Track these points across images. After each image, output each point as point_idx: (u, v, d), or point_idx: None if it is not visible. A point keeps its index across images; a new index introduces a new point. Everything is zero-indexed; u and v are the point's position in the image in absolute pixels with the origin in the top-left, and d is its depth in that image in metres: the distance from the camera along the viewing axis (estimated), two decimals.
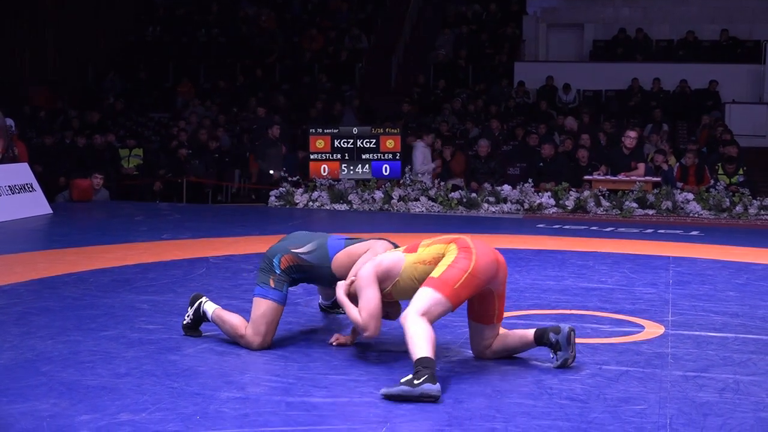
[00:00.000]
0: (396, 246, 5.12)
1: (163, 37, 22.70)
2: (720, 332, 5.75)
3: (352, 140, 14.43)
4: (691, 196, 13.41)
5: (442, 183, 14.20)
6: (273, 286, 5.06)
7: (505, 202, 13.71)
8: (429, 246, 4.80)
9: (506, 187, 13.89)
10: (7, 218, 11.32)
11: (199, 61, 21.63)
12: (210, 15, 23.21)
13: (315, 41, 21.78)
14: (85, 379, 4.45)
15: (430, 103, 19.72)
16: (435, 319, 4.56)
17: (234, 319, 5.18)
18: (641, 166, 13.98)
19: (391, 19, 22.85)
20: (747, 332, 5.78)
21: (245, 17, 22.92)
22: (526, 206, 13.60)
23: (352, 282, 4.89)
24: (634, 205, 13.28)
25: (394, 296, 4.83)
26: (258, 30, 22.43)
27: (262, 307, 5.06)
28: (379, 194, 13.89)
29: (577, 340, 5.34)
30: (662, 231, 11.61)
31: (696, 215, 13.16)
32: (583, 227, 11.89)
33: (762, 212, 13.15)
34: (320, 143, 14.45)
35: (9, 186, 11.85)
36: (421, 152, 15.00)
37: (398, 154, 14.47)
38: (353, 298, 4.89)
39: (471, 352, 5.02)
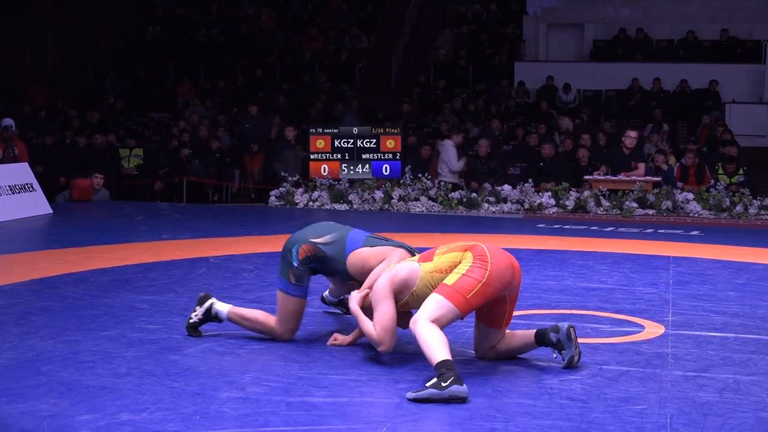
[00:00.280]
0: (413, 254, 5.09)
1: (163, 37, 22.69)
2: (720, 332, 5.75)
3: (352, 140, 14.42)
4: (691, 196, 13.41)
5: (442, 183, 14.20)
6: (294, 282, 5.13)
7: (506, 202, 13.72)
8: (444, 254, 4.76)
9: (506, 187, 13.89)
10: (7, 218, 11.32)
11: (199, 61, 21.63)
12: (210, 15, 23.20)
13: (315, 41, 21.78)
14: (85, 379, 4.45)
15: (430, 103, 19.71)
16: (444, 326, 4.55)
17: (258, 315, 5.27)
18: (641, 166, 13.98)
19: (391, 18, 22.85)
20: (747, 332, 5.78)
21: (245, 17, 22.92)
22: (527, 206, 13.60)
23: (366, 294, 4.87)
24: (635, 205, 13.28)
25: (410, 306, 4.78)
26: (258, 30, 22.43)
27: (287, 304, 5.16)
28: (379, 194, 13.89)
29: (578, 340, 5.35)
30: (662, 231, 11.61)
31: (696, 215, 13.16)
32: (583, 227, 11.89)
33: (762, 212, 13.15)
34: (320, 143, 14.45)
35: (9, 186, 11.85)
36: (451, 151, 14.97)
37: (398, 154, 14.46)
38: (367, 310, 4.86)
39: (472, 351, 5.02)
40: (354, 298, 4.92)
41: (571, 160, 15.00)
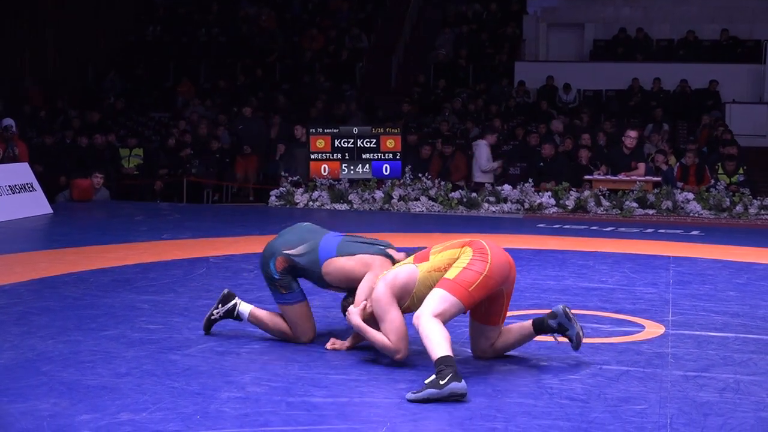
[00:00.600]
0: (391, 257, 5.04)
1: (164, 36, 22.69)
2: (720, 332, 5.75)
3: (352, 140, 14.42)
4: (691, 195, 13.41)
5: (442, 183, 14.20)
6: (284, 292, 5.16)
7: (506, 202, 13.72)
8: (441, 252, 4.75)
9: (506, 187, 13.89)
10: (7, 218, 11.32)
11: (200, 61, 21.63)
12: (210, 15, 23.20)
13: (315, 41, 21.77)
14: (85, 378, 4.45)
15: (431, 103, 19.71)
16: (448, 321, 4.53)
17: (278, 321, 5.28)
18: (641, 165, 13.98)
19: (392, 18, 22.85)
20: (747, 332, 5.78)
21: (245, 17, 22.92)
22: (527, 206, 13.60)
23: (365, 306, 4.82)
24: (635, 204, 13.28)
25: (413, 310, 4.70)
26: (258, 29, 22.43)
27: (292, 313, 5.20)
28: (379, 194, 13.89)
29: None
30: (662, 231, 11.61)
31: (696, 215, 13.16)
32: (583, 227, 11.89)
33: (762, 212, 13.15)
34: (320, 143, 14.45)
35: (9, 186, 11.86)
36: (485, 151, 14.91)
37: (398, 154, 14.46)
38: (369, 321, 4.81)
39: (471, 352, 5.02)
40: (353, 313, 4.82)
41: (571, 160, 15.00)
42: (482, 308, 4.83)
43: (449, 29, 22.09)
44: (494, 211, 13.57)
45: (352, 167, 14.41)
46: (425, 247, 4.92)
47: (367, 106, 18.79)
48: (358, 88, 20.64)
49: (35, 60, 20.62)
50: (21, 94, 19.35)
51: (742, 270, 8.44)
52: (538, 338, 5.07)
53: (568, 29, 22.23)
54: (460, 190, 13.91)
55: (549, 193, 13.70)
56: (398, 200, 13.80)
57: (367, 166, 14.41)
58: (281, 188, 14.35)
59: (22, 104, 18.52)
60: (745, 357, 5.13)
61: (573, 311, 4.94)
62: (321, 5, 23.28)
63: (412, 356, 4.89)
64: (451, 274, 4.58)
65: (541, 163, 14.88)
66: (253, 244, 9.42)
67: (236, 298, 5.43)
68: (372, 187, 14.07)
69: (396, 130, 14.80)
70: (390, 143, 14.46)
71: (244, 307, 5.37)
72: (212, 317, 5.41)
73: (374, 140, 14.41)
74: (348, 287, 5.11)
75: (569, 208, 13.46)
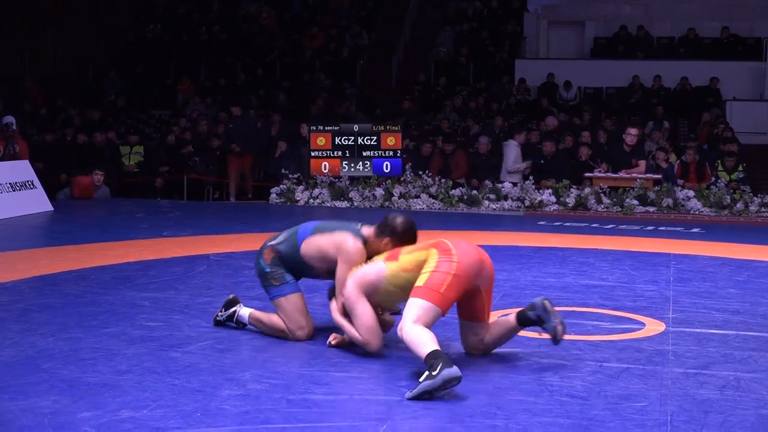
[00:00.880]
0: (362, 236, 5.08)
1: (164, 35, 22.68)
2: (721, 329, 5.76)
3: (353, 137, 14.42)
4: (691, 193, 13.41)
5: (443, 180, 14.19)
6: (277, 284, 5.22)
7: (506, 200, 13.72)
8: (410, 254, 4.83)
9: (507, 185, 13.89)
10: (8, 215, 11.32)
11: (200, 59, 21.62)
12: (210, 13, 23.19)
13: (315, 39, 21.76)
14: (86, 376, 4.46)
15: (431, 101, 19.70)
16: (429, 326, 4.57)
17: (274, 319, 5.33)
18: (642, 163, 13.97)
19: (392, 16, 22.83)
20: (748, 329, 5.78)
21: (246, 15, 22.91)
22: (527, 203, 13.60)
23: (342, 303, 4.94)
24: (635, 202, 13.27)
25: (383, 304, 4.91)
26: (258, 28, 22.41)
27: (287, 304, 5.23)
28: (380, 191, 13.89)
29: (578, 338, 5.36)
30: (663, 228, 11.61)
31: (697, 212, 13.16)
32: (583, 224, 11.89)
33: (763, 209, 13.15)
34: (321, 140, 14.44)
35: (10, 183, 11.86)
36: (514, 151, 14.83)
37: (399, 152, 14.46)
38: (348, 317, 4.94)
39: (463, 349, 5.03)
40: (334, 310, 5.00)
41: (571, 158, 14.99)
42: (464, 306, 4.89)
43: (450, 27, 22.08)
44: (495, 209, 13.57)
45: (352, 165, 14.41)
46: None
47: (367, 106, 18.76)
48: (358, 86, 20.63)
49: (35, 59, 20.62)
50: (21, 93, 19.34)
51: (742, 267, 8.44)
52: (540, 336, 5.08)
53: (568, 27, 22.22)
54: (461, 188, 13.91)
55: (549, 191, 13.69)
56: (399, 198, 13.80)
57: (368, 163, 14.42)
58: (282, 185, 14.35)
59: (22, 103, 18.51)
60: (746, 354, 5.13)
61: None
62: (321, 3, 23.27)
63: (413, 355, 4.89)
64: (420, 281, 4.65)
65: (542, 161, 14.87)
66: (254, 242, 9.41)
67: (238, 304, 5.52)
68: (372, 185, 14.07)
69: (396, 128, 14.79)
70: (390, 141, 14.45)
71: (244, 312, 5.46)
72: (217, 318, 5.57)
73: (375, 138, 14.41)
74: (327, 268, 5.17)
75: (570, 205, 13.45)
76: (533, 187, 13.80)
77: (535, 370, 4.73)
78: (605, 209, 13.33)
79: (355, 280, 4.85)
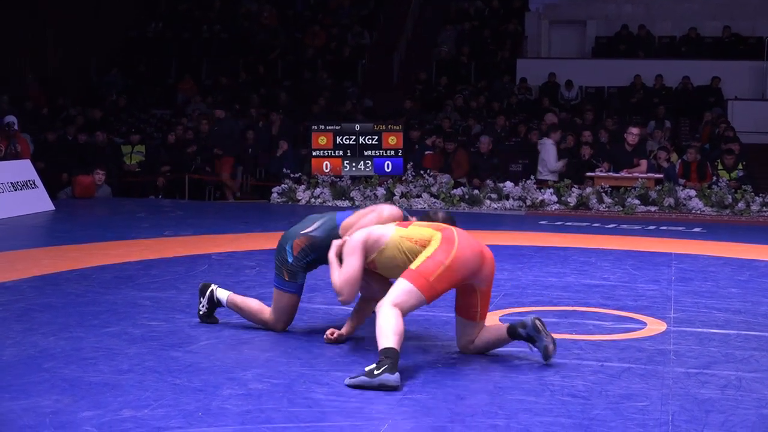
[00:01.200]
0: (407, 218, 5.20)
1: (165, 33, 22.68)
2: (722, 329, 5.75)
3: (354, 137, 14.42)
4: (693, 192, 13.40)
5: (444, 180, 14.19)
6: (287, 278, 5.26)
7: (507, 199, 13.71)
8: (420, 227, 4.88)
9: (508, 184, 13.88)
10: (9, 215, 11.33)
11: (201, 58, 21.62)
12: (212, 11, 23.18)
13: (317, 38, 21.76)
14: (87, 375, 4.46)
15: (433, 100, 19.70)
16: (408, 311, 4.64)
17: (252, 305, 5.45)
18: (643, 162, 13.96)
19: (393, 15, 22.82)
20: (749, 329, 5.78)
21: (247, 14, 22.90)
22: (528, 203, 13.59)
23: (344, 242, 4.96)
24: (637, 201, 13.27)
25: (377, 267, 4.89)
26: (260, 26, 22.41)
27: (281, 299, 5.31)
28: (381, 191, 13.89)
29: (579, 337, 5.36)
30: (664, 228, 11.60)
31: (698, 212, 13.15)
32: (585, 224, 11.88)
33: (764, 209, 13.14)
34: (322, 140, 14.45)
35: (11, 182, 11.86)
36: (552, 150, 14.75)
37: (400, 151, 14.46)
38: (373, 275, 4.99)
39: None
40: (334, 245, 5.02)
41: (573, 157, 14.98)
42: (460, 302, 4.90)
43: (451, 26, 22.08)
44: (496, 208, 13.57)
45: (353, 164, 14.41)
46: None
47: (367, 110, 18.73)
48: (360, 86, 20.63)
49: (36, 58, 20.62)
50: (22, 91, 19.34)
51: (744, 267, 8.44)
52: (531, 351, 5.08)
53: (570, 26, 22.22)
54: (462, 187, 13.91)
55: (551, 190, 13.69)
56: (400, 197, 13.80)
57: (369, 163, 14.42)
58: (283, 185, 14.35)
59: (23, 101, 18.51)
60: (747, 354, 5.13)
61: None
62: (323, 2, 23.27)
63: (414, 354, 4.90)
64: (414, 264, 4.69)
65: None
66: (255, 241, 9.43)
67: (211, 285, 5.60)
68: (374, 184, 14.07)
69: (398, 127, 14.79)
70: (392, 140, 14.46)
71: (221, 294, 5.54)
72: (200, 313, 5.60)
73: (376, 137, 14.41)
74: None
75: (571, 205, 13.45)
76: (534, 186, 13.80)
77: (536, 370, 4.73)
78: (607, 209, 13.32)
79: (364, 232, 4.89)
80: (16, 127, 13.62)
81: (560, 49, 22.08)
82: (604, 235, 10.66)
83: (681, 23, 21.30)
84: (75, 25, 21.19)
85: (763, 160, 16.45)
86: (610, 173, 13.93)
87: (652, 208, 13.23)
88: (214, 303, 5.55)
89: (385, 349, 4.37)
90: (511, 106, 19.10)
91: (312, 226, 5.26)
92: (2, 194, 11.60)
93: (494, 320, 5.50)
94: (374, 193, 13.87)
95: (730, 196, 13.24)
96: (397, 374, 4.27)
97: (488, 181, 14.20)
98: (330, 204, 13.83)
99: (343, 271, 4.86)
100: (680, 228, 11.63)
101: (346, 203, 13.82)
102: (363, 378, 4.28)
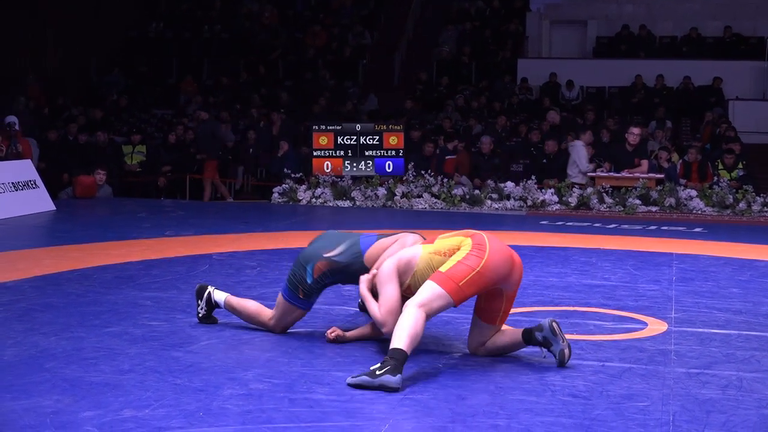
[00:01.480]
0: (422, 237, 5.17)
1: (166, 33, 22.69)
2: (723, 329, 5.75)
3: (355, 137, 14.43)
4: (694, 192, 13.40)
5: (445, 180, 14.19)
6: (302, 296, 5.22)
7: (508, 199, 13.71)
8: (446, 238, 4.84)
9: (509, 184, 13.88)
10: (10, 215, 11.33)
11: (202, 58, 21.63)
12: (213, 11, 23.20)
13: (318, 38, 21.77)
14: (88, 375, 4.46)
15: (433, 100, 19.71)
16: (434, 313, 4.59)
17: (250, 307, 5.44)
18: (644, 162, 13.95)
19: (394, 15, 22.84)
20: (750, 329, 5.78)
21: (248, 14, 22.92)
22: (529, 203, 13.59)
23: (374, 276, 4.91)
24: (638, 201, 13.27)
25: (414, 289, 4.77)
26: (261, 26, 22.42)
27: (290, 313, 5.30)
28: (382, 191, 13.89)
29: (580, 337, 5.36)
30: (665, 228, 11.60)
31: (699, 212, 13.15)
32: (586, 224, 11.88)
33: (765, 209, 13.14)
34: (323, 140, 14.46)
35: (12, 183, 11.86)
36: (583, 151, 14.54)
37: (401, 151, 14.46)
38: (374, 292, 4.92)
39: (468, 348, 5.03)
40: (363, 281, 4.97)
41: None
42: (481, 303, 4.85)
43: (452, 26, 22.08)
44: (497, 208, 13.57)
45: (354, 164, 14.41)
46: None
47: (372, 112, 18.73)
48: (361, 86, 20.63)
49: (36, 57, 20.62)
50: (22, 91, 19.34)
51: (744, 267, 8.43)
52: (543, 358, 5.07)
53: (571, 26, 22.23)
54: (463, 187, 13.91)
55: (552, 190, 13.69)
56: (401, 197, 13.80)
57: (370, 163, 14.42)
58: (284, 185, 14.35)
59: (24, 101, 18.50)
60: (748, 354, 5.13)
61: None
62: (324, 2, 23.28)
63: (415, 354, 4.89)
64: (445, 267, 4.65)
65: (544, 160, 14.87)
66: (256, 241, 9.43)
67: (208, 287, 5.59)
68: (375, 184, 14.07)
69: (399, 127, 14.80)
70: (393, 140, 14.46)
71: (219, 296, 5.54)
72: (199, 315, 5.60)
73: (377, 137, 14.42)
74: None
75: (572, 205, 13.45)
76: (535, 186, 13.80)
77: (537, 370, 4.73)
78: (608, 209, 13.32)
79: (394, 259, 4.84)
80: (17, 127, 13.62)
81: (561, 49, 22.09)
82: (605, 236, 10.66)
83: (682, 23, 21.31)
84: (75, 25, 21.20)
85: (763, 160, 16.45)
86: (611, 173, 13.93)
87: (653, 208, 13.23)
88: (212, 304, 5.55)
89: (394, 349, 4.35)
90: (512, 106, 19.11)
91: (335, 251, 5.17)
92: (3, 194, 11.60)
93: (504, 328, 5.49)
94: (375, 193, 13.87)
95: (731, 196, 13.24)
96: (399, 376, 4.25)
97: (489, 181, 14.20)
98: (331, 204, 13.83)
99: (382, 302, 4.79)
100: (681, 228, 11.62)
101: (347, 203, 13.82)
102: (365, 377, 4.28)
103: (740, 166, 14.44)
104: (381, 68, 21.32)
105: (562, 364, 4.73)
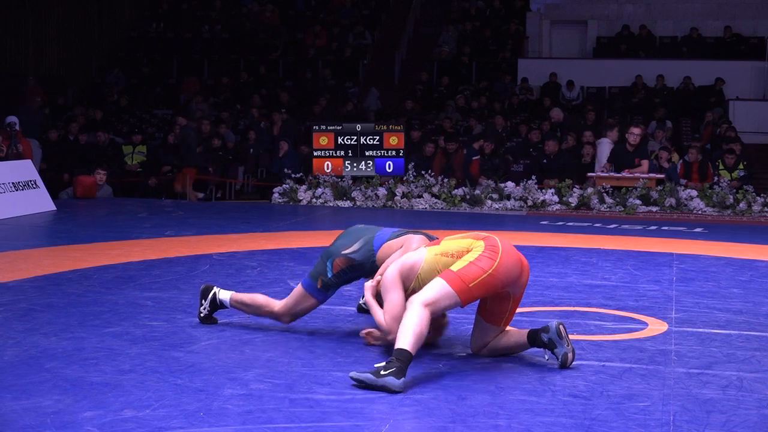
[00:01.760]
0: (432, 239, 5.14)
1: (167, 33, 22.70)
2: (723, 329, 5.75)
3: (355, 137, 14.43)
4: (694, 192, 13.40)
5: (446, 180, 14.19)
6: (320, 287, 5.30)
7: (509, 199, 13.71)
8: (453, 240, 4.81)
9: (509, 184, 13.88)
10: (11, 215, 11.33)
11: (203, 58, 21.64)
12: (213, 11, 23.21)
13: (319, 37, 21.78)
14: (88, 375, 4.46)
15: (434, 100, 19.72)
16: (440, 312, 4.59)
17: (258, 300, 5.47)
18: (645, 162, 13.96)
19: (395, 15, 22.85)
20: (750, 329, 5.78)
21: (249, 13, 22.92)
22: (530, 203, 13.59)
23: (379, 282, 4.91)
24: (638, 201, 13.27)
25: (417, 291, 4.74)
26: (261, 26, 22.43)
27: (306, 301, 5.35)
28: (382, 191, 13.89)
29: (581, 337, 5.36)
30: (666, 228, 11.60)
31: (700, 212, 13.15)
32: (586, 224, 11.88)
33: (765, 209, 13.14)
34: (324, 140, 14.46)
35: (13, 183, 11.86)
36: (606, 150, 14.45)
37: (401, 151, 14.46)
38: (379, 298, 4.91)
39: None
40: (368, 288, 4.98)
41: (574, 157, 14.98)
42: (487, 306, 4.83)
43: (452, 26, 22.09)
44: (497, 208, 13.57)
45: (355, 164, 14.41)
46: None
47: (376, 113, 18.73)
48: (361, 86, 20.64)
49: (37, 56, 20.63)
50: (24, 90, 19.34)
51: (745, 267, 8.43)
52: (546, 360, 5.06)
53: (571, 26, 22.24)
54: (463, 187, 13.91)
55: (552, 190, 13.69)
56: (401, 197, 13.80)
57: (371, 163, 14.42)
58: (284, 185, 14.35)
59: (24, 101, 18.51)
60: (748, 354, 5.13)
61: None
62: (324, 2, 23.29)
63: (417, 354, 4.88)
64: (456, 266, 4.61)
65: (545, 160, 14.87)
66: (257, 241, 9.43)
67: (213, 288, 5.60)
68: (375, 185, 14.07)
69: (399, 128, 14.79)
70: (393, 140, 14.46)
71: (224, 295, 5.56)
72: (201, 315, 5.60)
73: (377, 137, 14.42)
74: None
75: (572, 205, 13.45)
76: (536, 186, 13.80)
77: (537, 370, 4.73)
78: (608, 209, 13.32)
79: (397, 265, 4.82)
80: (17, 127, 13.62)
81: (561, 49, 22.10)
82: (605, 236, 10.65)
83: (682, 23, 21.32)
84: (76, 24, 21.20)
85: (764, 161, 16.46)
86: (612, 173, 13.93)
87: (654, 209, 13.23)
88: (216, 305, 5.56)
89: (400, 350, 4.33)
90: (513, 106, 19.11)
91: (352, 247, 5.26)
92: (3, 194, 11.60)
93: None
94: (375, 194, 13.87)
95: (731, 197, 13.24)
96: (402, 379, 4.23)
97: (489, 181, 14.20)
98: (331, 204, 13.83)
99: (387, 309, 4.78)
100: (682, 228, 11.62)
101: (348, 204, 13.82)
102: (368, 375, 4.26)
103: (741, 166, 14.43)
104: (381, 68, 21.33)
105: (563, 366, 4.73)
